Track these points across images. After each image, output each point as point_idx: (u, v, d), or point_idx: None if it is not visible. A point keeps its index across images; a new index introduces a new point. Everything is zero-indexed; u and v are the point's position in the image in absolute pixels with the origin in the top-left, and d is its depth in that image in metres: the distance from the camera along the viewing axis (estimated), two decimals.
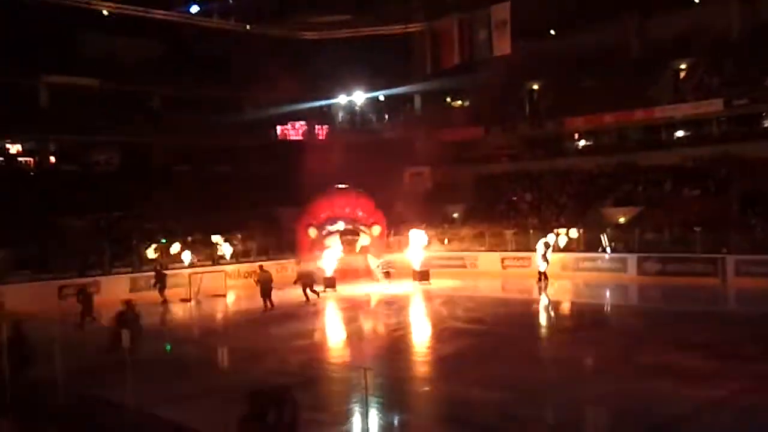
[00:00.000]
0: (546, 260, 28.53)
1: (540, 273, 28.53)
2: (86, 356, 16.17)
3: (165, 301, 27.60)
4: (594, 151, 40.83)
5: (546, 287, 27.99)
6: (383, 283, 30.11)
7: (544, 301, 26.29)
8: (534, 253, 29.35)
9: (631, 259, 29.51)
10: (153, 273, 28.65)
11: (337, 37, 44.12)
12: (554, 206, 36.59)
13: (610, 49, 40.69)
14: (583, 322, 22.38)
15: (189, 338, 21.38)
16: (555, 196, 37.64)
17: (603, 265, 30.28)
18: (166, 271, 28.87)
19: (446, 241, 35.34)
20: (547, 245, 29.00)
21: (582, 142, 42.60)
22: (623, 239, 30.72)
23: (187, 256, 31.61)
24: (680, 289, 26.47)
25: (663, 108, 37.40)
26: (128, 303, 17.61)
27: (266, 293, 25.11)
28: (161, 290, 27.79)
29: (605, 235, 30.69)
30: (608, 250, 30.45)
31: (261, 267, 27.08)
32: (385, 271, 31.56)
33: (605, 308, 25.53)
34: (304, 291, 26.50)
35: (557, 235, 31.15)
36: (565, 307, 25.98)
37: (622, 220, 32.83)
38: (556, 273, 30.25)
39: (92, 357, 16.13)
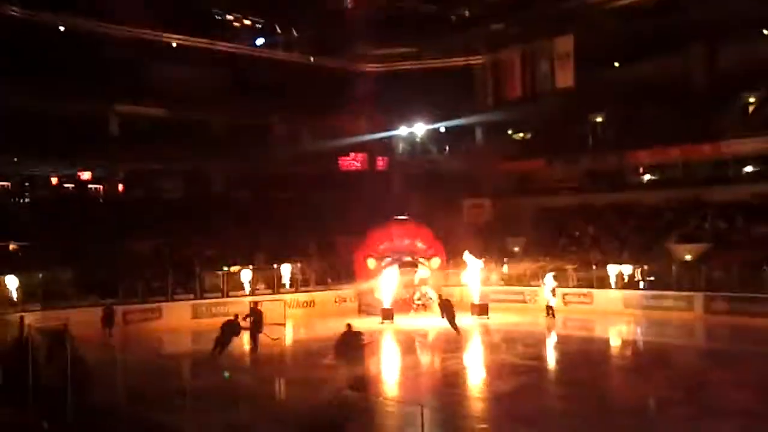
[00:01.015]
0: (554, 294, 29.03)
1: (548, 308, 28.91)
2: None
3: (256, 348, 23.39)
4: (659, 185, 39.97)
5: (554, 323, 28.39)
6: (438, 317, 29.91)
7: (606, 339, 25.72)
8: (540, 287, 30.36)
9: (698, 297, 28.68)
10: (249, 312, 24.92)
11: (398, 69, 44.40)
12: (617, 241, 35.85)
13: (675, 81, 39.93)
14: (644, 361, 21.78)
15: (249, 367, 21.56)
16: (618, 230, 36.89)
17: (668, 303, 29.50)
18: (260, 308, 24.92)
19: (505, 268, 34.99)
20: (554, 279, 29.50)
21: (647, 176, 41.76)
22: (689, 277, 29.95)
23: (246, 276, 31.88)
24: (748, 329, 25.56)
25: (730, 142, 36.42)
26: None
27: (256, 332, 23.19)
28: (255, 333, 23.42)
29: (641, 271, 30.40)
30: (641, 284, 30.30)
31: (255, 304, 24.86)
32: (421, 303, 31.51)
33: (667, 348, 24.76)
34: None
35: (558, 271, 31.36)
36: (627, 346, 25.36)
37: (688, 256, 31.98)
38: (619, 310, 29.71)
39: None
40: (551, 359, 23.20)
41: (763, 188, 34.87)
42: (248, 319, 23.14)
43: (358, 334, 16.81)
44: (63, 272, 29.26)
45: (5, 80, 33.97)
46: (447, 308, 26.00)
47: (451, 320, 25.75)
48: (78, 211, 36.55)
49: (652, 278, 30.66)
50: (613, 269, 31.22)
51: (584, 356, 22.61)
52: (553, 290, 29.34)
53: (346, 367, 15.60)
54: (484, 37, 43.18)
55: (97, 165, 41.12)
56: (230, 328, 21.51)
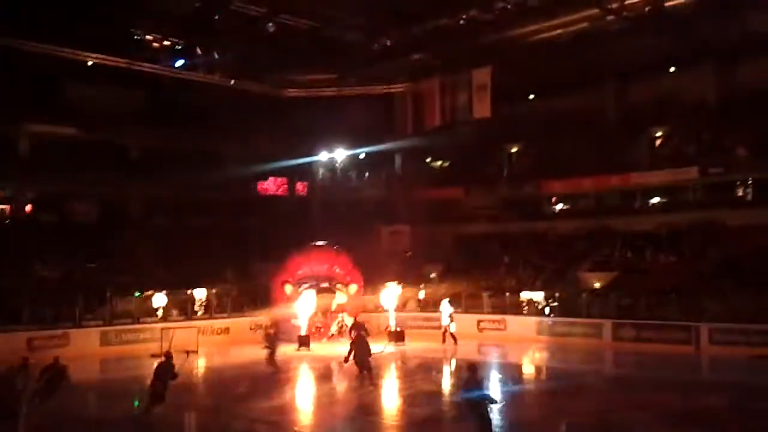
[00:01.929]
0: (452, 320, 29.64)
1: (449, 333, 29.48)
2: None
3: (276, 372, 23.74)
4: (571, 215, 41.18)
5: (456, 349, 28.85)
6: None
7: (520, 365, 26.15)
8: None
9: (606, 324, 29.51)
10: (264, 336, 25.32)
11: (319, 95, 44.51)
12: (531, 268, 36.67)
13: (588, 114, 41.41)
14: (552, 386, 22.28)
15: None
16: (532, 258, 37.75)
17: (577, 330, 30.26)
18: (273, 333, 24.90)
19: (422, 294, 35.29)
20: (450, 304, 30.11)
21: (560, 206, 42.97)
22: (599, 304, 30.83)
23: (161, 300, 31.20)
24: (653, 356, 26.43)
25: (639, 174, 37.91)
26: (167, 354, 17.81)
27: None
28: (271, 355, 23.96)
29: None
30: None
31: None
32: (337, 330, 31.54)
33: (574, 373, 25.28)
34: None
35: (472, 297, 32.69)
36: (536, 372, 25.88)
37: (597, 284, 32.97)
38: (531, 336, 30.34)
39: None
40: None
41: (670, 218, 36.34)
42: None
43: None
44: None
45: None
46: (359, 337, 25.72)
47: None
48: None
49: (555, 304, 31.45)
50: (525, 296, 31.93)
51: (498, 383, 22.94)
52: (451, 316, 29.84)
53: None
54: (404, 66, 43.72)
55: (5, 185, 39.56)
56: (166, 372, 17.58)
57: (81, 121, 39.55)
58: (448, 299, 30.39)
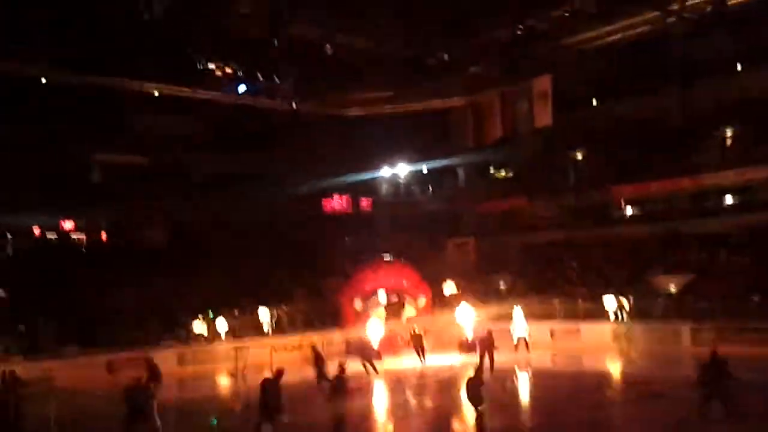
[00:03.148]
0: (524, 327, 29.15)
1: (522, 340, 28.92)
2: None
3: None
4: (641, 219, 40.31)
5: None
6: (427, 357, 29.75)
7: (598, 373, 25.62)
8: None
9: (685, 328, 28.72)
10: (312, 354, 25.13)
11: (379, 113, 44.84)
12: (602, 275, 35.97)
13: (653, 116, 40.54)
14: (639, 396, 21.72)
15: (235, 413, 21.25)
16: (602, 264, 37.04)
17: (654, 335, 29.52)
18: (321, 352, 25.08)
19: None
20: (521, 312, 29.54)
21: (629, 210, 42.13)
22: (675, 308, 30.06)
23: (222, 324, 31.54)
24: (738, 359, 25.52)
25: (710, 175, 36.91)
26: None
27: None
28: (321, 374, 23.80)
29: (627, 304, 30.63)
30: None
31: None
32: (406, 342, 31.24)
33: (657, 381, 24.66)
34: (364, 365, 26.02)
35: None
36: (619, 380, 25.27)
37: (672, 288, 32.12)
38: (607, 344, 29.73)
39: None
40: (542, 396, 23.05)
41: (744, 219, 35.22)
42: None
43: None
44: (45, 323, 28.90)
45: None
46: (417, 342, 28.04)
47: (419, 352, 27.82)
48: (61, 261, 36.25)
49: (629, 309, 30.70)
50: (605, 301, 31.29)
51: (575, 392, 22.52)
52: (523, 323, 29.31)
53: None
54: (462, 79, 43.77)
55: (80, 214, 40.87)
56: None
57: (148, 149, 40.71)
58: (520, 306, 29.93)
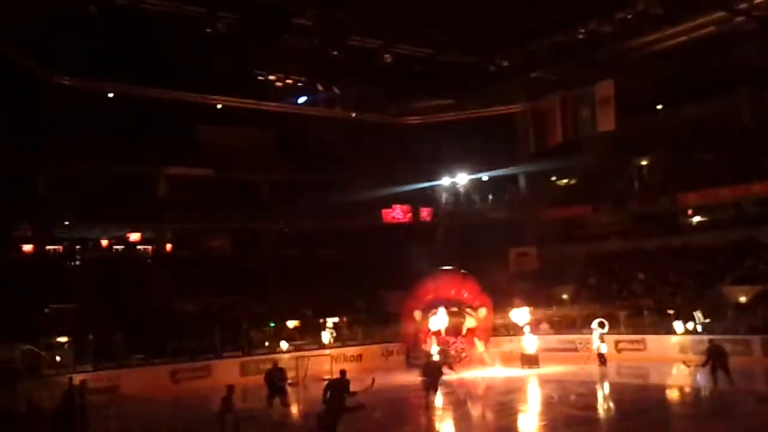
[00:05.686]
0: (602, 341, 28.40)
1: (600, 355, 28.23)
2: None
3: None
4: (710, 227, 39.07)
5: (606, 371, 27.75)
6: (493, 367, 29.40)
7: (661, 386, 24.90)
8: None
9: (755, 340, 27.67)
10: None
11: (439, 120, 44.64)
12: (669, 286, 35.01)
13: (721, 120, 39.28)
14: (709, 412, 21.02)
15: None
16: (670, 275, 36.03)
17: (725, 347, 28.45)
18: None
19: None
20: (602, 325, 28.81)
21: (697, 218, 40.90)
22: (746, 320, 29.00)
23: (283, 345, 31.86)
24: None
25: None
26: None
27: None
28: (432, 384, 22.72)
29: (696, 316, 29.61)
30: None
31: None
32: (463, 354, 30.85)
33: (729, 395, 23.80)
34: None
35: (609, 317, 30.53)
36: (686, 394, 24.50)
37: (743, 299, 31.04)
38: (674, 356, 28.86)
39: None
40: (605, 409, 22.52)
41: None
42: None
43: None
44: (113, 333, 29.63)
45: (58, 147, 35.16)
46: None
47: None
48: (128, 272, 37.19)
49: (707, 320, 29.71)
50: (671, 314, 30.46)
51: (639, 405, 21.91)
52: (601, 337, 28.68)
53: None
54: (523, 85, 43.21)
55: (146, 226, 41.87)
56: (340, 388, 16.63)
57: (213, 161, 41.45)
58: (599, 320, 29.22)
